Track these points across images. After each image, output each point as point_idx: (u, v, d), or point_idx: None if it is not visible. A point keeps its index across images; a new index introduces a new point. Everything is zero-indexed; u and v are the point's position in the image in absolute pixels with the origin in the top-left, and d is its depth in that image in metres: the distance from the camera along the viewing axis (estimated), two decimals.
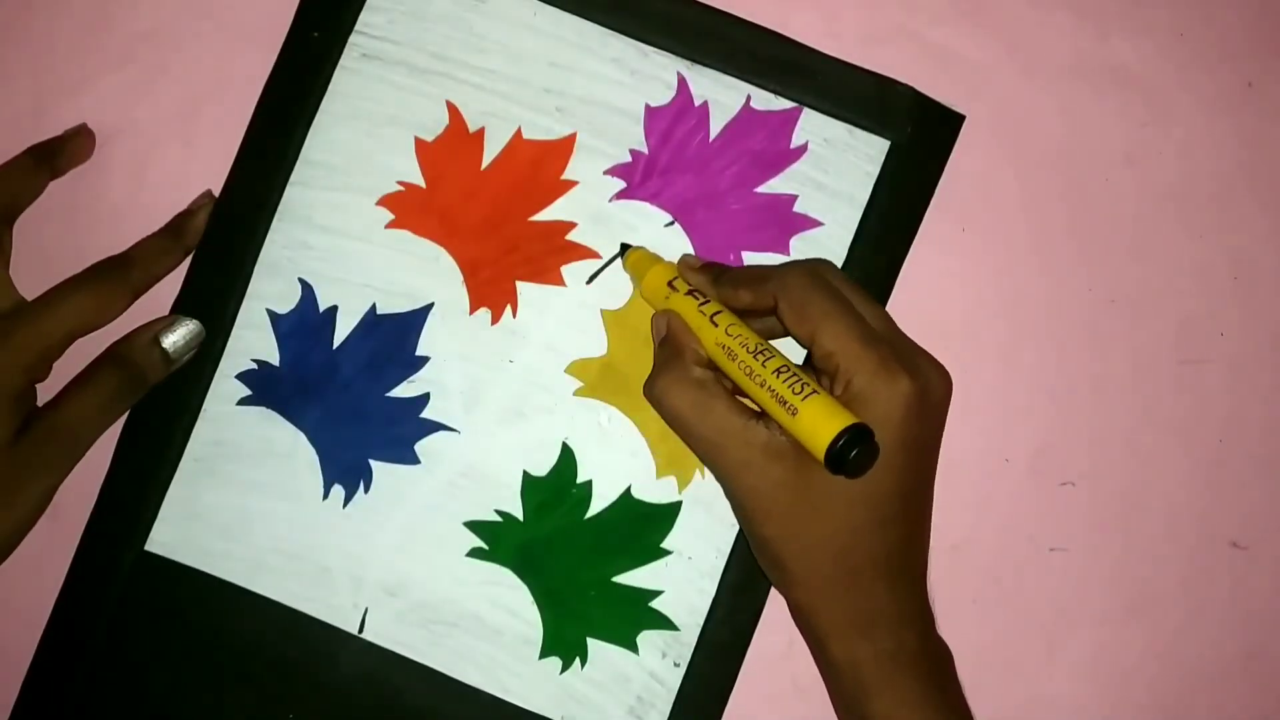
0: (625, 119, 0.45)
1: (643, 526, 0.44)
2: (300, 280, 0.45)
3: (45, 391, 0.42)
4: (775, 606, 0.44)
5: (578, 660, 0.44)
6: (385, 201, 0.45)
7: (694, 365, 0.40)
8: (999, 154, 0.46)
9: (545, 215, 0.45)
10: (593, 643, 0.44)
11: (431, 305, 0.45)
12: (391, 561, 0.45)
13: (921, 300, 0.45)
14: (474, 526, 0.45)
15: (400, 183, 0.45)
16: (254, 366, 0.45)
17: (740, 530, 0.44)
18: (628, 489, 0.45)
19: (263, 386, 0.45)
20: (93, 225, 0.46)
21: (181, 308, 0.45)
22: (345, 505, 0.45)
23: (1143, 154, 0.46)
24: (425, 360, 0.45)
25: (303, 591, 0.44)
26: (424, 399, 0.45)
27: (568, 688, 0.44)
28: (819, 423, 0.36)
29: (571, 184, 0.45)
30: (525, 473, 0.45)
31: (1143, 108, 0.46)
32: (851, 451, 0.36)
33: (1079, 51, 0.46)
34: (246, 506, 0.45)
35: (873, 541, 0.39)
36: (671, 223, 0.45)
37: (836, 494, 0.38)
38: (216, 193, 0.45)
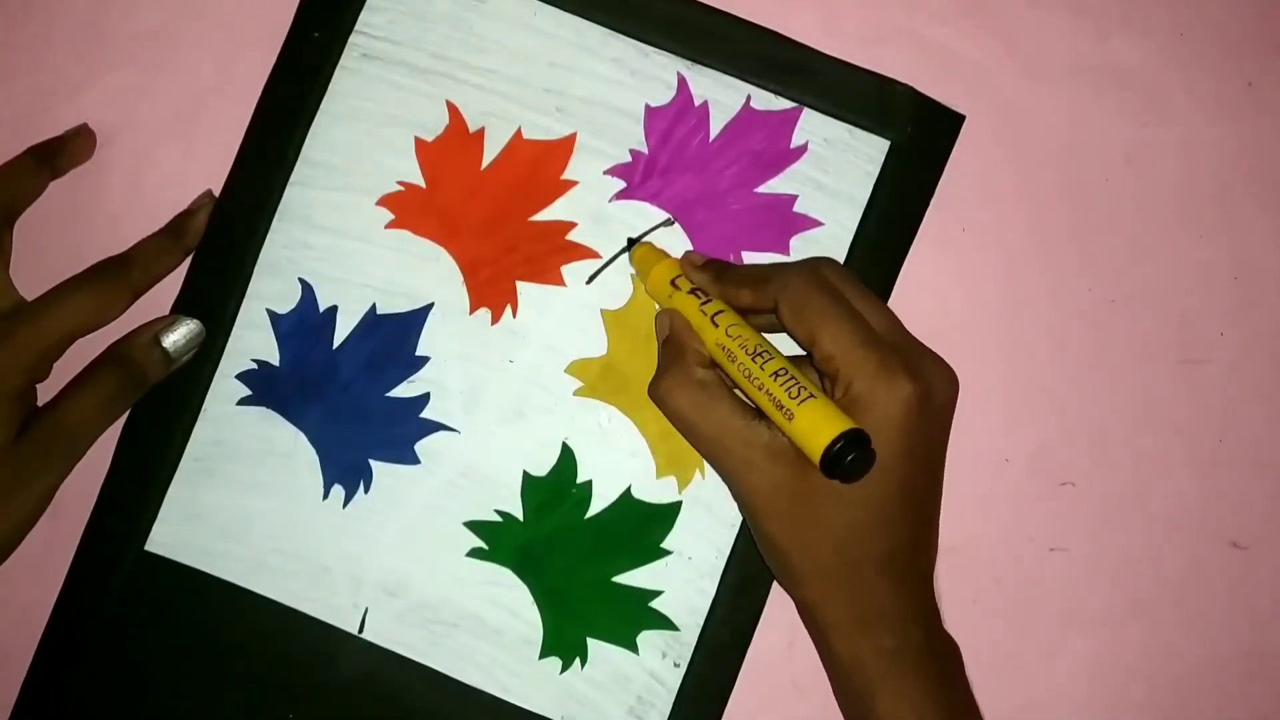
0: (625, 119, 0.45)
1: (643, 526, 0.44)
2: (300, 280, 0.45)
3: (45, 391, 0.42)
4: (775, 606, 0.44)
5: (578, 660, 0.44)
6: (385, 201, 0.45)
7: (696, 366, 0.40)
8: (999, 154, 0.46)
9: (545, 215, 0.45)
10: (593, 643, 0.44)
11: (431, 305, 0.45)
12: (391, 561, 0.45)
13: (921, 300, 0.45)
14: (474, 526, 0.45)
15: (400, 183, 0.45)
16: (254, 366, 0.45)
17: (740, 530, 0.44)
18: (628, 489, 0.45)
19: (263, 386, 0.45)
20: (93, 225, 0.46)
21: (181, 308, 0.45)
22: (345, 505, 0.45)
23: (1143, 154, 0.46)
24: (425, 360, 0.45)
25: (302, 591, 0.44)
26: (424, 399, 0.45)
27: (568, 688, 0.44)
28: (814, 427, 0.36)
29: (571, 184, 0.45)
30: (525, 473, 0.45)
31: (1143, 108, 0.46)
32: (846, 456, 0.36)
33: (1079, 51, 0.46)
34: (246, 506, 0.45)
35: (875, 541, 0.39)
36: (671, 222, 0.45)
37: (837, 496, 0.38)
38: (216, 193, 0.45)
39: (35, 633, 0.44)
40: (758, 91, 0.45)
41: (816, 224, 0.45)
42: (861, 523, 0.38)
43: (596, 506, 0.45)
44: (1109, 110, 0.46)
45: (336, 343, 0.45)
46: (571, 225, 0.45)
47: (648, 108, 0.45)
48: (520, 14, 0.45)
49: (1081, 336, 0.46)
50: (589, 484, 0.45)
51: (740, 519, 0.44)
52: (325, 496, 0.45)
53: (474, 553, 0.45)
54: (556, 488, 0.45)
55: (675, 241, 0.45)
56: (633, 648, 0.44)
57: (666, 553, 0.44)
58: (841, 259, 0.45)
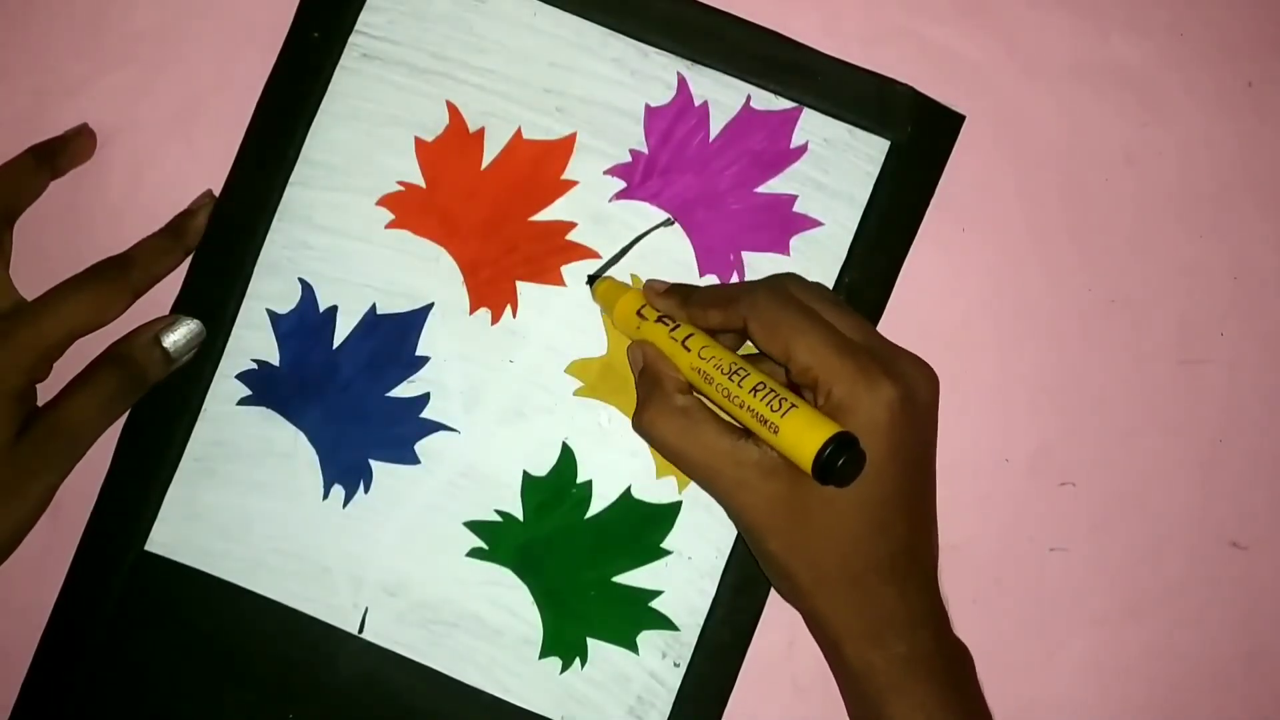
0: (625, 119, 0.45)
1: (643, 526, 0.44)
2: (300, 280, 0.45)
3: (45, 391, 0.42)
4: (775, 606, 0.44)
5: (578, 660, 0.44)
6: (385, 201, 0.45)
7: (675, 393, 0.40)
8: (999, 154, 0.46)
9: (545, 215, 0.45)
10: (593, 643, 0.44)
11: (431, 305, 0.45)
12: (391, 561, 0.45)
13: (922, 300, 0.45)
14: (474, 526, 0.45)
15: (400, 183, 0.45)
16: (254, 366, 0.45)
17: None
18: (628, 489, 0.45)
19: (263, 386, 0.45)
20: (93, 225, 0.46)
21: (181, 308, 0.45)
22: (345, 505, 0.45)
23: (1143, 154, 0.46)
24: (425, 360, 0.45)
25: (302, 591, 0.44)
26: (424, 399, 0.45)
27: (568, 688, 0.44)
28: (801, 436, 0.36)
29: (571, 184, 0.45)
30: (525, 473, 0.45)
31: (1143, 108, 0.46)
32: (838, 461, 0.35)
33: (1079, 51, 0.46)
34: (246, 506, 0.45)
35: (876, 547, 0.39)
36: (671, 222, 0.45)
37: (832, 504, 0.38)
38: (216, 193, 0.45)
39: (35, 633, 0.44)
40: (758, 91, 0.45)
41: (816, 224, 0.45)
42: (860, 528, 0.38)
43: (596, 506, 0.45)
44: (1109, 110, 0.46)
45: (336, 343, 0.45)
46: (571, 225, 0.45)
47: (648, 108, 0.45)
48: (520, 14, 0.45)
49: (1081, 336, 0.46)
50: (589, 484, 0.45)
51: None
52: (325, 496, 0.45)
53: (474, 553, 0.45)
54: (556, 488, 0.45)
55: (675, 241, 0.45)
56: (633, 648, 0.44)
57: (666, 553, 0.44)
58: (841, 259, 0.45)
